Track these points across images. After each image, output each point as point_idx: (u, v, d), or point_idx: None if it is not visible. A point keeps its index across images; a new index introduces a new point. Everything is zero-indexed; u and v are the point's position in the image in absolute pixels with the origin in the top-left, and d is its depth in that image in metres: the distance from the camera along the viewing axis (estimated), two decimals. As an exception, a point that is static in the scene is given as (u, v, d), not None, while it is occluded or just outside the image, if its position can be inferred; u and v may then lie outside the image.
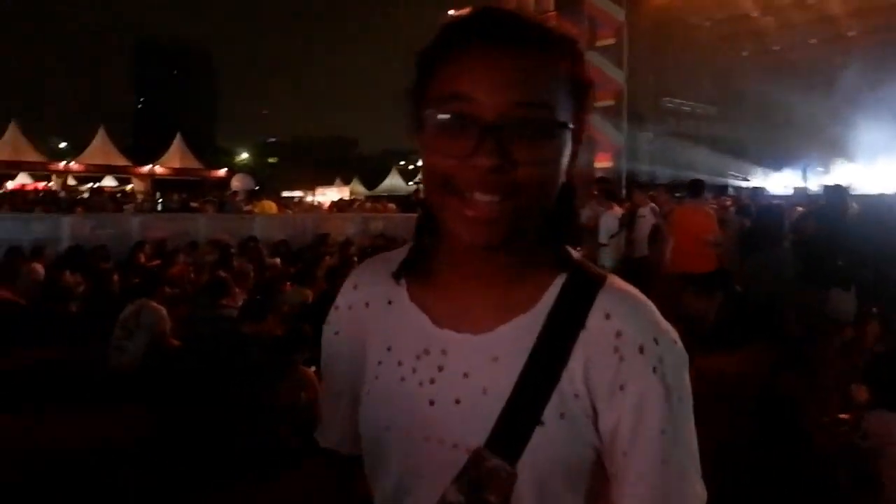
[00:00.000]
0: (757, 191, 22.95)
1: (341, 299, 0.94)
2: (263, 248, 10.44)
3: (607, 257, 8.10)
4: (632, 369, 0.77)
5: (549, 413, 0.76)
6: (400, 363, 0.84)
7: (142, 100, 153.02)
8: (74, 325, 6.92)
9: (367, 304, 0.90)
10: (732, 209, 10.99)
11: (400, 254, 0.91)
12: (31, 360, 6.13)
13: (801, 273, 5.37)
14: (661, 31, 27.61)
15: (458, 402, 0.80)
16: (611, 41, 28.31)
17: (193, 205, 20.05)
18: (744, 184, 24.44)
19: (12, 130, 31.96)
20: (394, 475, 0.83)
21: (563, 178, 0.79)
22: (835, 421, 3.89)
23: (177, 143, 36.27)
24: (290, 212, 16.73)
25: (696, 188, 7.25)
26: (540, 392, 0.77)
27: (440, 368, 0.81)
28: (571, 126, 0.77)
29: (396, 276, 0.88)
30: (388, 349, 0.86)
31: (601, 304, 0.79)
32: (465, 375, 0.80)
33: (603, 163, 29.05)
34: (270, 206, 13.93)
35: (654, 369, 0.77)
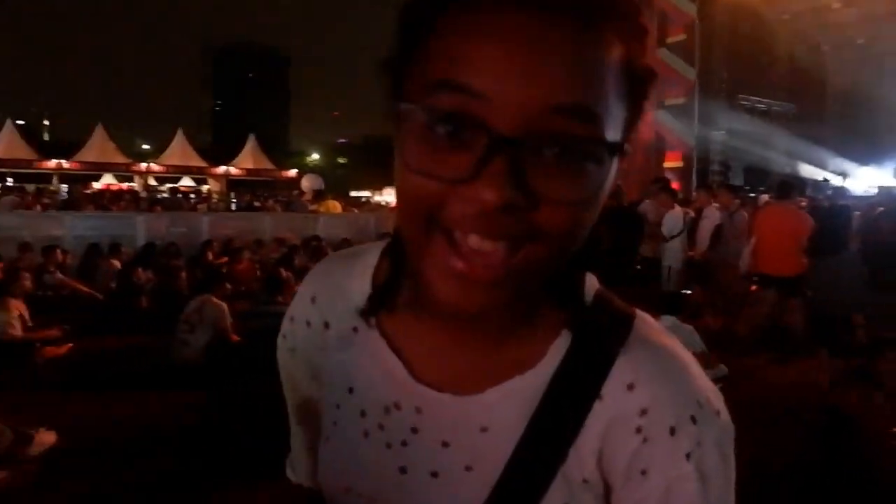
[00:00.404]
0: (837, 191, 21.96)
1: (297, 311, 0.74)
2: (327, 246, 10.70)
3: (670, 257, 7.91)
4: (659, 455, 0.58)
5: (551, 500, 0.58)
6: (363, 413, 0.66)
7: (219, 103, 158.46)
8: (144, 319, 7.29)
9: (326, 325, 0.70)
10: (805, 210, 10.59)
11: (370, 254, 0.70)
12: (106, 349, 6.50)
13: (869, 279, 5.13)
14: (736, 26, 26.74)
15: (434, 475, 0.62)
16: (682, 37, 27.65)
17: (256, 204, 20.70)
18: (824, 183, 23.44)
19: (98, 133, 33.80)
20: None
21: (597, 216, 0.54)
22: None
23: (250, 144, 37.49)
24: (355, 211, 17.05)
25: (784, 189, 7.05)
26: (539, 475, 0.59)
27: (414, 430, 0.63)
28: (625, 146, 0.53)
29: (367, 313, 0.66)
30: (350, 391, 0.67)
31: (624, 365, 0.59)
32: (445, 445, 0.62)
33: (673, 162, 28.44)
34: (335, 205, 14.21)
35: (689, 455, 0.58)
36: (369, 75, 0.57)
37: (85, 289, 8.63)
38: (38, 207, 13.62)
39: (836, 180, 26.51)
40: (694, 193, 9.51)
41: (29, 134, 43.68)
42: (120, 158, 35.05)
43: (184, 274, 8.33)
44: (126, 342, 6.72)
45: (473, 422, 0.61)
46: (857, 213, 10.30)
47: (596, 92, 0.49)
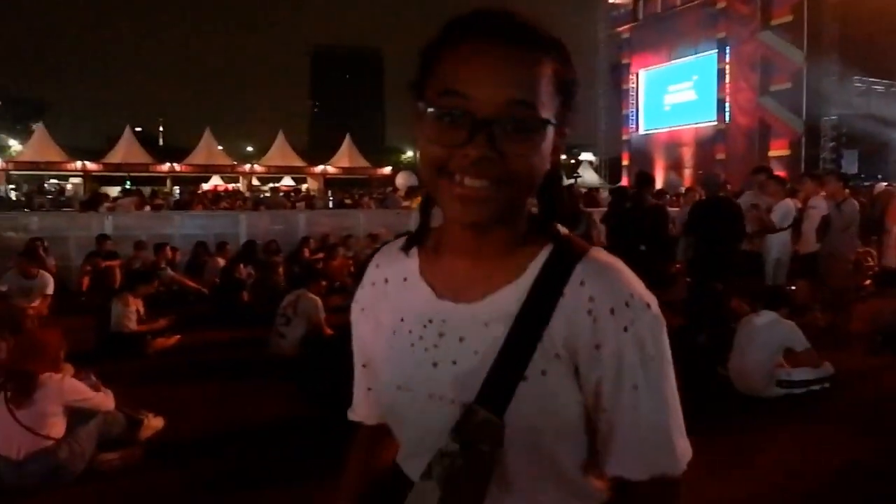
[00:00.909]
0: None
1: (366, 278, 1.04)
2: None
3: (777, 250, 7.46)
4: (605, 330, 0.84)
5: (532, 370, 0.84)
6: (410, 332, 0.93)
7: (317, 104, 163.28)
8: (245, 312, 7.64)
9: (386, 281, 1.00)
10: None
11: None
12: (210, 341, 6.86)
13: None
14: (848, 2, 24.95)
15: (454, 363, 0.89)
16: (788, 18, 26.19)
17: (347, 201, 21.20)
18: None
19: (206, 138, 35.60)
20: (409, 430, 0.94)
21: (547, 167, 0.86)
22: None
23: (346, 143, 38.43)
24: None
25: None
26: (523, 351, 0.85)
27: (441, 335, 0.91)
28: (554, 122, 0.84)
29: (404, 249, 0.99)
30: (402, 320, 0.95)
31: (578, 272, 0.86)
32: (461, 340, 0.89)
33: (778, 150, 26.98)
34: (413, 203, 14.38)
35: (626, 328, 0.84)
36: None
37: (192, 284, 9.16)
38: (148, 208, 14.48)
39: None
40: (799, 183, 8.93)
41: (145, 140, 46.57)
42: (226, 161, 36.81)
43: (282, 269, 8.66)
44: (229, 335, 7.08)
45: (479, 320, 0.88)
46: None
47: (536, 90, 0.81)
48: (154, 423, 4.25)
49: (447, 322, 0.91)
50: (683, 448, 0.88)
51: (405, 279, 0.97)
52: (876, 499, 3.54)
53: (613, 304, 0.84)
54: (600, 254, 0.90)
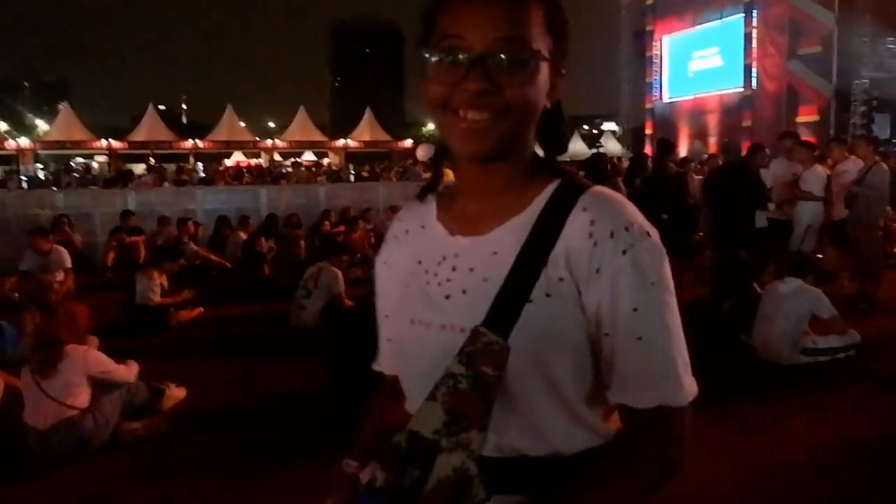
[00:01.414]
0: None
1: (390, 233, 1.10)
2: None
3: (809, 217, 7.22)
4: (604, 253, 0.86)
5: (537, 293, 0.87)
6: (426, 271, 0.98)
7: (338, 79, 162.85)
8: (266, 286, 7.70)
9: (406, 231, 1.06)
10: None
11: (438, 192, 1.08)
12: (232, 314, 6.94)
13: None
14: (882, -39, 24.11)
15: (464, 292, 0.92)
16: (818, -21, 25.44)
17: (364, 174, 21.16)
18: None
19: (228, 114, 35.74)
20: (420, 363, 0.94)
21: (545, 101, 0.91)
22: None
23: (367, 117, 38.30)
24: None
25: None
26: (528, 275, 0.88)
27: (453, 269, 0.95)
28: (545, 55, 0.88)
29: (419, 198, 1.06)
30: (419, 262, 1.00)
31: (581, 202, 0.90)
32: (471, 270, 0.93)
33: (807, 116, 26.33)
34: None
35: (624, 251, 0.85)
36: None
37: (215, 258, 9.24)
38: (167, 184, 14.54)
39: None
40: (827, 148, 8.65)
41: (168, 118, 46.89)
42: (247, 137, 36.94)
43: (303, 243, 8.69)
44: (251, 308, 7.15)
45: (488, 250, 0.92)
46: None
47: (524, 27, 0.86)
48: (176, 393, 4.32)
49: (459, 256, 0.95)
50: (689, 383, 0.88)
51: (423, 226, 1.04)
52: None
53: (613, 228, 0.87)
54: (604, 189, 0.93)
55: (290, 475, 3.39)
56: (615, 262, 0.85)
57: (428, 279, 0.97)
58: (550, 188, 0.93)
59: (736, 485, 3.23)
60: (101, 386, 3.82)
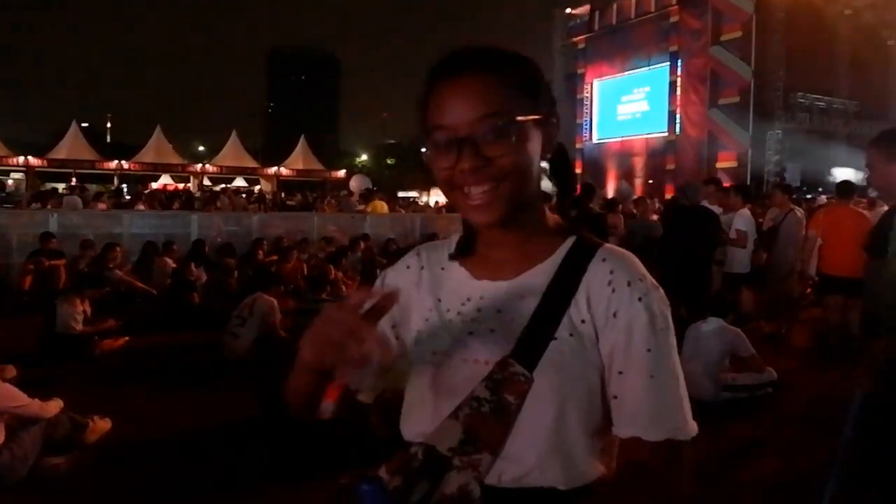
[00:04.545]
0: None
1: (402, 262, 1.17)
2: (374, 245, 10.80)
3: (737, 263, 7.48)
4: (622, 299, 0.96)
5: (562, 332, 0.96)
6: (448, 310, 1.06)
7: (272, 105, 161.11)
8: (196, 315, 7.50)
9: (422, 268, 1.13)
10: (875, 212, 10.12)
11: (451, 240, 1.15)
12: (159, 344, 6.71)
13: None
14: (794, 21, 25.89)
15: (492, 330, 1.00)
16: (737, 34, 26.98)
17: (290, 203, 20.93)
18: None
19: (157, 135, 34.77)
20: (437, 392, 1.00)
21: (540, 157, 1.00)
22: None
23: (300, 145, 38.00)
24: (401, 211, 17.16)
25: (846, 189, 7.04)
26: (553, 315, 0.97)
27: (478, 310, 1.03)
28: (528, 117, 0.96)
29: (452, 256, 1.11)
30: (438, 300, 1.07)
31: (600, 254, 1.01)
32: (498, 311, 1.01)
33: (726, 162, 27.73)
34: (382, 205, 14.28)
35: (640, 299, 0.96)
36: (418, 77, 1.02)
37: (141, 285, 8.93)
38: (102, 206, 13.98)
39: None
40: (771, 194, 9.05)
41: (92, 136, 45.17)
42: (176, 160, 35.97)
43: (236, 272, 8.52)
44: (179, 337, 6.93)
45: (515, 293, 1.01)
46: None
47: (502, 102, 0.93)
48: (100, 425, 4.14)
49: (485, 298, 1.03)
50: (692, 421, 0.98)
51: (442, 269, 1.11)
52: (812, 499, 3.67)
53: (629, 278, 0.98)
54: (616, 247, 1.05)
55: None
56: (631, 308, 0.95)
57: (450, 317, 1.05)
58: (569, 242, 1.04)
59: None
60: (18, 419, 3.63)
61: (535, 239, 1.04)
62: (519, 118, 0.94)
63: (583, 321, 0.97)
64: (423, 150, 0.99)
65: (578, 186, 8.09)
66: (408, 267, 1.14)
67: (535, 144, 0.98)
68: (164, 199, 18.46)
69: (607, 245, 1.03)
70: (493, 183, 0.94)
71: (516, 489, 0.94)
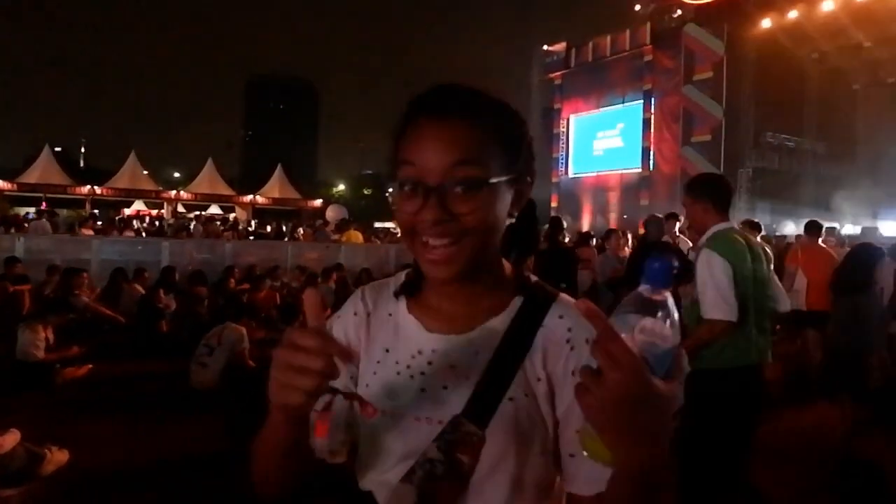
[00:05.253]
0: (867, 232, 21.50)
1: (348, 307, 1.10)
2: (347, 275, 10.72)
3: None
4: (580, 357, 0.92)
5: (516, 391, 0.93)
6: (397, 362, 1.00)
7: (249, 133, 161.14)
8: (164, 343, 7.34)
9: (368, 314, 1.07)
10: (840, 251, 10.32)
11: (395, 279, 1.10)
12: (125, 372, 6.55)
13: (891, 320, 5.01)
14: (764, 63, 26.58)
15: (445, 387, 0.96)
16: (709, 74, 27.66)
17: (262, 231, 20.85)
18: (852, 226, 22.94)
19: (131, 161, 34.46)
20: (388, 452, 0.96)
21: (506, 217, 0.95)
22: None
23: (277, 174, 37.91)
24: (377, 241, 17.13)
25: (814, 227, 7.54)
26: (507, 372, 0.94)
27: (429, 363, 0.98)
28: (502, 174, 0.91)
29: (397, 294, 1.06)
30: (387, 351, 1.02)
31: (555, 309, 0.98)
32: (451, 367, 0.97)
33: (698, 199, 28.16)
34: (357, 235, 14.23)
35: None
36: (396, 110, 0.97)
37: (108, 312, 8.73)
38: (88, 231, 13.61)
39: (866, 223, 25.98)
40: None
41: (65, 160, 44.66)
42: (150, 186, 35.64)
43: (206, 300, 8.39)
44: (145, 366, 6.77)
45: (470, 349, 0.97)
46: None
47: (477, 152, 0.89)
48: (58, 456, 4.01)
49: (437, 351, 0.99)
50: None
51: (389, 314, 1.05)
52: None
53: (588, 335, 0.90)
54: (568, 299, 1.02)
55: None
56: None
57: (398, 370, 0.99)
58: (520, 299, 1.00)
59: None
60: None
61: (490, 293, 1.00)
62: (493, 180, 0.90)
63: (538, 379, 0.95)
64: (391, 187, 0.95)
65: (547, 219, 8.14)
66: (355, 314, 1.08)
67: (504, 204, 0.93)
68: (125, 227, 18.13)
69: (561, 298, 1.01)
70: (455, 238, 0.89)
71: None
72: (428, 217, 0.88)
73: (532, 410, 0.93)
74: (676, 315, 0.73)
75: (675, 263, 0.73)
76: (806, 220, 7.91)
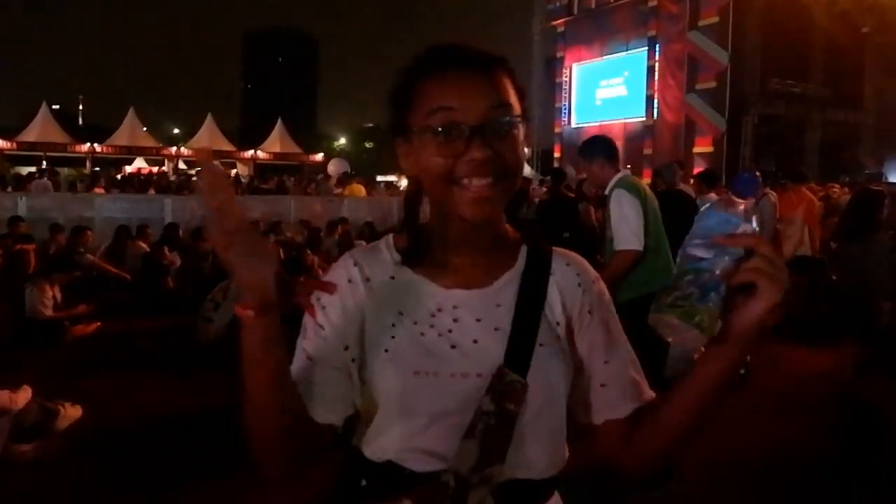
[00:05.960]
0: (873, 176, 21.39)
1: (338, 274, 1.03)
2: (352, 229, 10.73)
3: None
4: (591, 297, 1.06)
5: (543, 336, 0.99)
6: (415, 322, 0.99)
7: (248, 86, 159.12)
8: (169, 300, 7.41)
9: (367, 279, 1.03)
10: (845, 197, 10.29)
11: (385, 242, 1.08)
12: (132, 329, 6.63)
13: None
14: (771, 8, 26.03)
15: (475, 341, 0.98)
16: (714, 20, 27.03)
17: (264, 186, 20.75)
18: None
19: (130, 118, 34.13)
20: (422, 414, 0.95)
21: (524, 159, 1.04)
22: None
23: (278, 128, 37.54)
24: (379, 194, 17.09)
25: (800, 175, 8.02)
26: (533, 322, 1.00)
27: (455, 320, 0.99)
28: (523, 120, 0.98)
29: (403, 259, 1.04)
30: (400, 314, 1.00)
31: (557, 257, 1.08)
32: (478, 320, 1.00)
33: (703, 147, 27.90)
34: (359, 189, 14.21)
35: (602, 295, 1.08)
36: (398, 60, 1.00)
37: (113, 269, 8.80)
38: (99, 189, 13.54)
39: (872, 168, 25.78)
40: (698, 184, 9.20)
41: (64, 118, 44.34)
42: (151, 143, 35.39)
43: (210, 256, 8.41)
44: (152, 322, 6.85)
45: (492, 301, 1.01)
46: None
47: (508, 95, 0.96)
48: (71, 412, 4.09)
49: (460, 307, 1.00)
50: (650, 390, 1.09)
51: (392, 277, 1.04)
52: (786, 480, 3.74)
53: (592, 277, 1.08)
54: (564, 249, 1.12)
55: (193, 496, 3.28)
56: (601, 304, 1.07)
57: (422, 330, 0.98)
58: (525, 247, 1.08)
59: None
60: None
61: (501, 242, 1.06)
62: (520, 115, 0.97)
63: (557, 323, 1.03)
64: (415, 129, 0.95)
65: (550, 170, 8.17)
66: (349, 281, 1.01)
67: (524, 145, 1.00)
68: (136, 187, 18.13)
69: (557, 249, 1.09)
70: (497, 176, 0.93)
71: (503, 482, 0.95)
72: (477, 155, 0.91)
73: (559, 353, 1.00)
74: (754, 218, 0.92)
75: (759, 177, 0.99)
76: (807, 168, 8.15)
